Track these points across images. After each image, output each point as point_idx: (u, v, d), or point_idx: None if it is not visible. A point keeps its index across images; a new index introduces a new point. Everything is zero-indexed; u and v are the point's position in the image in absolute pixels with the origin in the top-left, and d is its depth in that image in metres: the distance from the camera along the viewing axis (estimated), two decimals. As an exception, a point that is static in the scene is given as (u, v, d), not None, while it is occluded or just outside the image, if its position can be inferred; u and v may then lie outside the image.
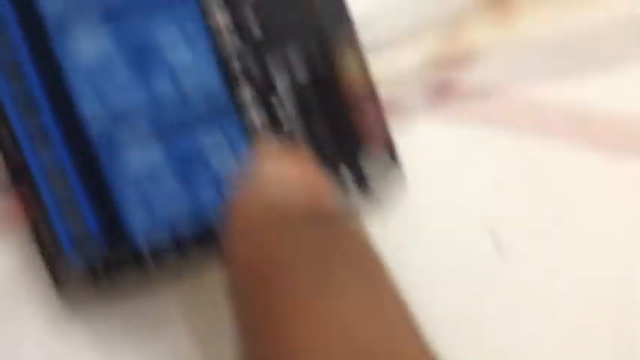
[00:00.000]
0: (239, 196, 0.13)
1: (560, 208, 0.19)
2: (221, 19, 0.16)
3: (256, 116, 0.16)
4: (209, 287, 0.18)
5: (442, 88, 0.16)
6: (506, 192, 0.19)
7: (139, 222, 0.16)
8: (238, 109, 0.16)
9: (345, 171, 0.17)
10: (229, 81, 0.16)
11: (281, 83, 0.16)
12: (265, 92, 0.16)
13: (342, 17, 0.17)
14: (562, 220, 0.19)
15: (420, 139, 0.18)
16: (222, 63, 0.16)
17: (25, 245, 0.17)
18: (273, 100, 0.16)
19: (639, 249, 0.20)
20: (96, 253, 0.16)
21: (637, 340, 0.20)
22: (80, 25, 0.15)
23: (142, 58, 0.15)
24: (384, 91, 0.17)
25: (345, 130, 0.17)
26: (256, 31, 0.16)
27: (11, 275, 0.18)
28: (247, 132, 0.16)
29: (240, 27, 0.16)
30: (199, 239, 0.17)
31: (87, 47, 0.15)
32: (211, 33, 0.16)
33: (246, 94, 0.16)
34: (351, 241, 0.13)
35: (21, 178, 0.16)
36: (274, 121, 0.17)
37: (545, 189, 0.19)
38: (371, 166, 0.17)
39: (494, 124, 0.18)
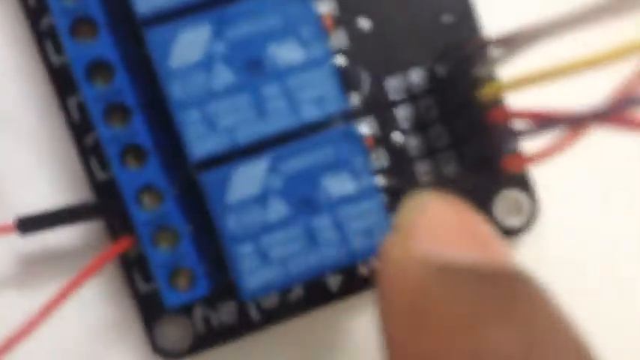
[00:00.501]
0: (392, 250, 0.11)
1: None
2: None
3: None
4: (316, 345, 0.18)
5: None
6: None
7: (251, 268, 0.14)
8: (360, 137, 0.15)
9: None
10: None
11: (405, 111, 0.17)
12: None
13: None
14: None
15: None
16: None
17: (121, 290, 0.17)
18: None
19: None
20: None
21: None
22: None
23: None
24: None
25: (481, 158, 0.16)
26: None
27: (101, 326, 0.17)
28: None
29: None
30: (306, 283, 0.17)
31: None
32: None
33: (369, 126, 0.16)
34: (528, 305, 0.10)
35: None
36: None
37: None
38: (500, 195, 0.17)
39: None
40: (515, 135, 0.13)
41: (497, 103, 0.14)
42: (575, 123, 0.11)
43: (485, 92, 0.14)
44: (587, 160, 0.18)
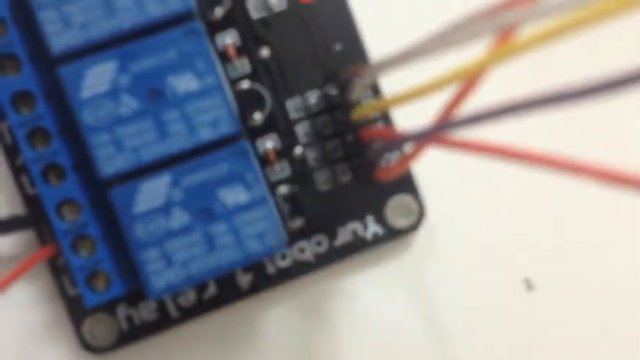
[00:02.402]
0: None
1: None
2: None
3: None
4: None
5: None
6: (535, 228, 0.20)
7: (157, 270, 0.16)
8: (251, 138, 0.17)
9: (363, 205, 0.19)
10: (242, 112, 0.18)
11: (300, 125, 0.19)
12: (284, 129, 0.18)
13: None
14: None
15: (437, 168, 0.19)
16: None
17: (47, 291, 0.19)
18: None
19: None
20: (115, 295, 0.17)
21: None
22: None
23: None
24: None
25: (360, 159, 0.18)
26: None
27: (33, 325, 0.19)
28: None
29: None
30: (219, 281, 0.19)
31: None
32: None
33: (258, 118, 0.18)
34: None
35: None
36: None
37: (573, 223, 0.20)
38: (391, 201, 0.19)
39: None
40: (378, 151, 0.15)
41: (368, 122, 0.16)
42: (414, 140, 0.14)
43: (357, 113, 0.16)
44: (467, 164, 0.20)
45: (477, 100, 0.12)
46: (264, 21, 0.19)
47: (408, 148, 0.15)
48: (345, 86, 0.17)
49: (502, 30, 0.10)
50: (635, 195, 0.11)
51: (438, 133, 0.12)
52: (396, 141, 0.14)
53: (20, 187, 0.19)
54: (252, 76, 0.19)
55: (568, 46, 0.11)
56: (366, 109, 0.16)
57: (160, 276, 0.16)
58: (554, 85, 0.10)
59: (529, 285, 0.20)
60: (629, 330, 0.20)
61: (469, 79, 0.12)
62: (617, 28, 0.12)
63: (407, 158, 0.14)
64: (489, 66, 0.11)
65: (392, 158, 0.18)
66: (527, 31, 0.11)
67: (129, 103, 0.16)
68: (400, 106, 0.15)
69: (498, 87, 0.14)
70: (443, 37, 0.11)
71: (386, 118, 0.19)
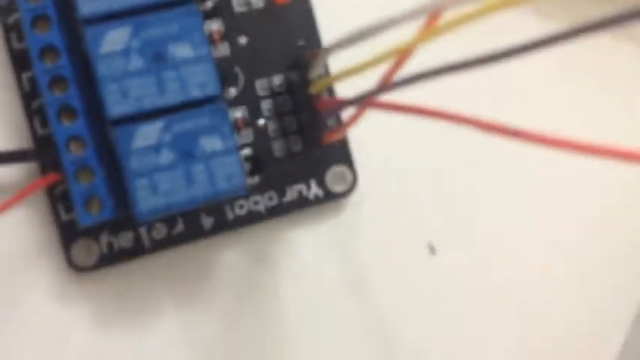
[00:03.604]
0: None
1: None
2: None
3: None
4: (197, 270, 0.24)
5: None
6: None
7: (145, 196, 0.20)
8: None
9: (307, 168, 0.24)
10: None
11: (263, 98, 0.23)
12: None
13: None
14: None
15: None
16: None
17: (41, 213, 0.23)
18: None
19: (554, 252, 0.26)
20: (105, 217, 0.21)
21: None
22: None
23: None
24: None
25: (309, 131, 0.23)
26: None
27: (27, 244, 0.23)
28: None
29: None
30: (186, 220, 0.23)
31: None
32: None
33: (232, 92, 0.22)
34: None
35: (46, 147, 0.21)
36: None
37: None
38: (331, 169, 0.24)
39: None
40: (325, 116, 0.20)
41: (319, 96, 0.21)
42: (355, 104, 0.18)
43: (313, 88, 0.21)
44: (398, 138, 0.25)
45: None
46: (244, 15, 0.24)
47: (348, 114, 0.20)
48: (307, 66, 0.22)
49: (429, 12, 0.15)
50: (542, 150, 0.15)
51: (374, 95, 0.17)
52: (339, 105, 0.19)
53: (32, 128, 0.23)
54: (230, 58, 0.24)
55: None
56: (321, 84, 0.21)
57: (147, 200, 0.21)
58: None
59: (432, 249, 0.25)
60: (522, 296, 0.26)
61: (401, 55, 0.17)
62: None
63: (348, 122, 0.19)
64: (418, 43, 0.16)
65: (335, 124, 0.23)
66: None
67: (136, 62, 0.21)
68: (345, 80, 0.20)
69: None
70: (381, 21, 0.16)
71: (331, 93, 0.24)
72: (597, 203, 0.26)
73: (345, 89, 0.23)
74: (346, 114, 0.20)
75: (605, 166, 0.15)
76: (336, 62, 0.23)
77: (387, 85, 0.17)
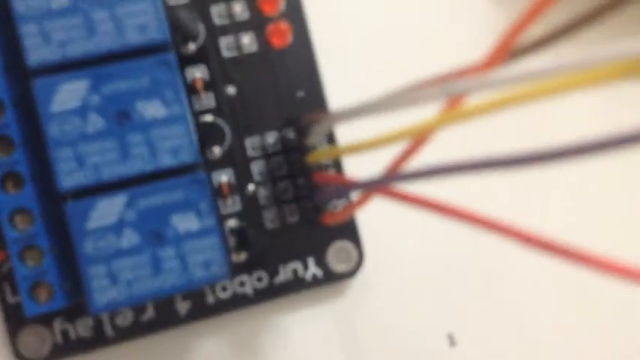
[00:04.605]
0: None
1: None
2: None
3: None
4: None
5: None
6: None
7: (101, 287, 0.17)
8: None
9: (306, 248, 0.20)
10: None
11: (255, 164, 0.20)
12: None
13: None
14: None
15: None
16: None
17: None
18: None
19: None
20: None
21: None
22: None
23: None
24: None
25: (308, 202, 0.19)
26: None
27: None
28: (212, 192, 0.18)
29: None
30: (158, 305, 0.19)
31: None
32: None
33: (217, 152, 0.19)
34: None
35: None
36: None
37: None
38: (333, 245, 0.20)
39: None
40: (327, 195, 0.16)
41: (320, 167, 0.17)
42: (362, 188, 0.15)
43: (310, 158, 0.17)
44: (408, 219, 0.21)
45: (425, 158, 0.14)
46: (234, 60, 0.20)
47: (354, 196, 0.16)
48: (303, 131, 0.18)
49: (451, 96, 0.12)
50: (555, 259, 0.12)
51: (384, 184, 0.14)
52: (345, 188, 0.15)
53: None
54: (216, 111, 0.20)
55: (510, 116, 0.12)
56: (320, 154, 0.17)
57: (103, 292, 0.17)
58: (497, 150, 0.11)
59: (452, 340, 0.21)
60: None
61: (418, 137, 0.13)
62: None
63: (353, 205, 0.15)
64: (437, 127, 0.12)
65: (339, 204, 0.19)
66: (475, 99, 0.12)
67: (95, 122, 0.17)
68: (352, 155, 0.16)
69: (446, 148, 0.16)
70: (397, 97, 0.12)
71: (337, 166, 0.20)
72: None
73: (356, 165, 0.19)
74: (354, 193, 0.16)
75: None
76: (347, 131, 0.19)
77: (397, 174, 0.13)
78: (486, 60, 0.12)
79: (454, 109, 0.12)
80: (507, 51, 0.11)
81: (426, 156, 0.14)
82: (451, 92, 0.12)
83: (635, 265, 0.11)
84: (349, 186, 0.15)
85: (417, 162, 0.14)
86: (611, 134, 0.10)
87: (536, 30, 0.12)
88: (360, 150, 0.15)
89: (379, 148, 0.14)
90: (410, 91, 0.12)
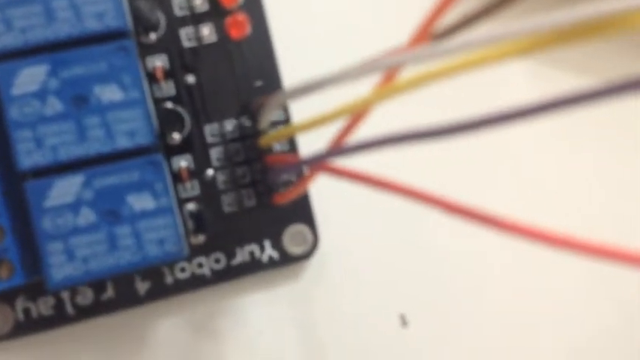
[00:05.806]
0: None
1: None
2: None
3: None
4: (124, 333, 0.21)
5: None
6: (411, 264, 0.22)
7: (58, 263, 0.17)
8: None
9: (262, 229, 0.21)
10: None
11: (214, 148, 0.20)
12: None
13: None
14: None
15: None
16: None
17: None
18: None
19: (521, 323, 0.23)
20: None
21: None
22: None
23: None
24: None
25: (264, 186, 0.20)
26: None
27: None
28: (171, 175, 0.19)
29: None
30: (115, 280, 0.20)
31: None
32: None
33: (176, 138, 0.20)
34: None
35: None
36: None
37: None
38: (289, 229, 0.21)
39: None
40: (275, 174, 0.17)
41: (271, 150, 0.18)
42: (305, 165, 0.15)
43: (262, 141, 0.18)
44: (361, 200, 0.22)
45: (365, 132, 0.14)
46: (193, 50, 0.21)
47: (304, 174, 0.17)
48: (255, 116, 0.18)
49: (382, 70, 0.12)
50: (498, 233, 0.12)
51: (326, 159, 0.14)
52: (290, 166, 0.16)
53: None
54: (176, 99, 0.21)
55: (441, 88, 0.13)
56: (270, 137, 0.18)
57: (60, 268, 0.17)
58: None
59: (404, 321, 0.22)
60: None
61: (356, 113, 0.14)
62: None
63: (300, 183, 0.16)
64: (373, 102, 0.13)
65: (291, 186, 0.20)
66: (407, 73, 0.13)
67: (54, 105, 0.17)
68: (297, 135, 0.17)
69: (383, 121, 0.16)
70: (333, 76, 0.13)
71: (293, 149, 0.21)
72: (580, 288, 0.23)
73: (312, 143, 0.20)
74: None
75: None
76: (302, 111, 0.20)
77: (339, 149, 0.14)
78: (409, 42, 0.12)
79: (388, 85, 0.13)
80: (428, 34, 0.12)
81: (366, 131, 0.15)
82: (380, 67, 0.12)
83: (559, 232, 0.12)
84: (293, 164, 0.16)
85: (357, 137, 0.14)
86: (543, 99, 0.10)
87: (453, 15, 0.12)
88: (305, 128, 0.16)
89: (320, 127, 0.15)
90: (344, 71, 0.13)
